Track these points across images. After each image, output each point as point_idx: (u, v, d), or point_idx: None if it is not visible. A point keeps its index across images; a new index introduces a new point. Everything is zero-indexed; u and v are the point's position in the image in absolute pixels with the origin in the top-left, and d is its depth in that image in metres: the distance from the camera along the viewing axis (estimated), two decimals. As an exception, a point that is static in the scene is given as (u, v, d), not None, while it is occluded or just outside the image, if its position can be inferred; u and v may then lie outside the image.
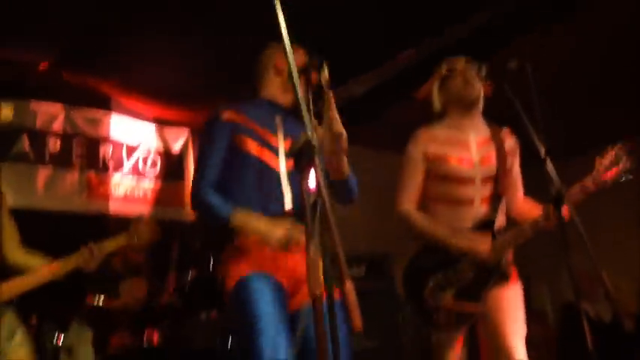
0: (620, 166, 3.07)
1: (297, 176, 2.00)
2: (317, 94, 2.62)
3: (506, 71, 2.82)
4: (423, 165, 3.31)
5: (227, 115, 2.87)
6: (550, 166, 2.65)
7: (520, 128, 2.77)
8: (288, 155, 2.07)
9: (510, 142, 3.37)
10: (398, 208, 3.34)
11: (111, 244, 3.32)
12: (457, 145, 3.29)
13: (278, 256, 2.67)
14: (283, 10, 2.27)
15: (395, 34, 5.00)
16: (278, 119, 2.93)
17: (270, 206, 2.73)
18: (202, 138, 2.93)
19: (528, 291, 7.06)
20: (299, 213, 2.69)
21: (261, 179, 2.79)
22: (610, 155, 3.11)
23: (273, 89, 3.02)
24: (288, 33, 2.61)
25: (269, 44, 3.09)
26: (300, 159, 1.76)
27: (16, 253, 3.27)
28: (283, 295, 2.63)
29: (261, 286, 2.57)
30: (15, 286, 3.11)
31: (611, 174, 3.07)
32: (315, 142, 1.74)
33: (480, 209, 3.26)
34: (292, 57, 1.93)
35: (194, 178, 2.80)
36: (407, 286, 3.25)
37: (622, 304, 6.36)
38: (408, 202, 3.33)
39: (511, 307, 3.20)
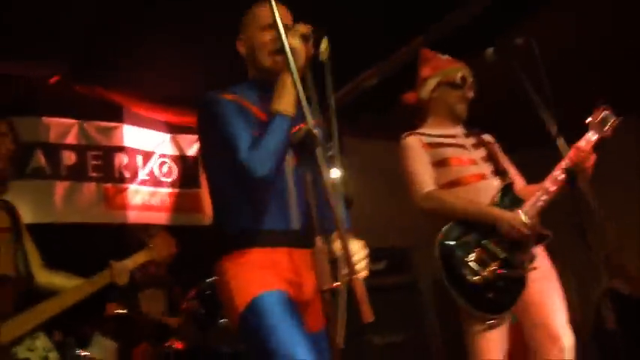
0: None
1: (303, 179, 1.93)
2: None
3: (513, 48, 2.83)
4: (425, 151, 3.35)
5: (229, 96, 2.41)
6: (562, 144, 2.67)
7: (530, 107, 2.75)
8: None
9: (489, 138, 3.54)
10: (421, 193, 3.26)
11: (133, 261, 3.29)
12: (445, 134, 3.44)
13: (286, 269, 2.32)
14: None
15: (400, 22, 4.98)
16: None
17: (276, 220, 2.35)
18: (211, 117, 2.38)
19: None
20: (306, 232, 2.41)
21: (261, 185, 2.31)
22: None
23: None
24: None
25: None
26: (302, 152, 1.71)
27: (41, 274, 3.23)
28: (298, 313, 2.25)
29: (277, 307, 2.21)
30: (46, 310, 3.07)
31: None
32: (316, 131, 1.69)
33: (493, 182, 3.29)
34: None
35: (234, 149, 2.22)
36: (444, 265, 3.10)
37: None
38: (428, 184, 3.28)
39: (550, 291, 3.18)
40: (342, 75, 2.33)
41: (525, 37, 2.76)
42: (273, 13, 1.90)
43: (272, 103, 2.28)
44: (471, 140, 3.47)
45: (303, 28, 2.32)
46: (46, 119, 5.59)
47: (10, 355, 2.85)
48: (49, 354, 3.04)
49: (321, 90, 2.30)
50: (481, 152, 3.42)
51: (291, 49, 2.20)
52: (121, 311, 4.32)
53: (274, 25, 2.06)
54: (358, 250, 2.29)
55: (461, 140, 3.45)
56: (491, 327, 3.10)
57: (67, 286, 3.18)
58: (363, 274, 2.28)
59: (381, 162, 6.50)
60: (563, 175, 3.03)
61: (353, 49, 4.17)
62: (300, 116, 2.21)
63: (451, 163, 3.33)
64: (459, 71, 3.48)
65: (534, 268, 3.11)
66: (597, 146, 3.12)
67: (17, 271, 3.09)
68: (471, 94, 3.47)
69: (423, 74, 3.57)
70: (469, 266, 3.06)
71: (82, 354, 3.76)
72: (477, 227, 3.14)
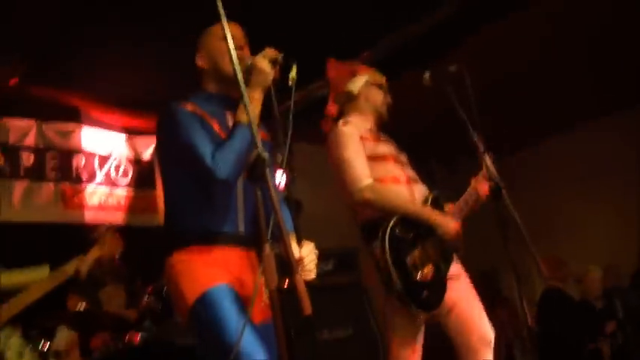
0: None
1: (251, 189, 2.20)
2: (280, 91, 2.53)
3: (447, 75, 3.08)
4: (362, 144, 3.37)
5: (190, 107, 2.54)
6: (488, 161, 2.92)
7: (460, 126, 3.00)
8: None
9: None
10: (361, 184, 3.26)
11: (88, 257, 3.47)
12: (375, 136, 3.54)
13: (233, 267, 2.51)
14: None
15: (355, 34, 5.19)
16: (229, 116, 2.61)
17: (224, 223, 2.55)
18: (173, 127, 2.51)
19: (497, 280, 7.38)
20: (250, 236, 2.59)
21: (221, 190, 2.53)
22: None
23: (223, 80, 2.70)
24: (254, 35, 2.76)
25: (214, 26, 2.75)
26: (253, 172, 1.94)
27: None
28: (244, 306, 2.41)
29: (227, 299, 2.39)
30: (13, 307, 3.27)
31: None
32: (265, 156, 1.91)
33: (420, 187, 3.47)
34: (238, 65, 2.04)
35: (198, 156, 2.39)
36: (393, 260, 3.10)
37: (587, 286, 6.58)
38: (367, 176, 3.29)
39: (472, 296, 3.41)
40: (296, 82, 2.59)
41: (458, 64, 3.02)
42: (226, 33, 2.10)
43: (237, 114, 2.47)
44: (393, 144, 3.61)
45: (273, 52, 2.53)
46: (5, 120, 5.67)
47: None
48: (24, 351, 3.25)
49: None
50: (404, 157, 3.60)
51: (259, 70, 2.46)
52: (81, 306, 4.43)
53: (232, 41, 2.13)
54: (309, 253, 2.55)
55: (387, 141, 3.58)
56: (414, 327, 3.29)
57: (27, 281, 3.36)
58: (313, 274, 2.54)
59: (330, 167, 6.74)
60: (474, 197, 3.31)
61: (306, 57, 4.36)
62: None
63: (385, 160, 3.41)
64: (382, 77, 3.67)
65: (457, 276, 3.35)
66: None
67: None
68: (389, 101, 3.63)
69: (353, 70, 3.68)
70: (412, 263, 3.16)
71: (46, 347, 3.92)
72: (416, 227, 3.25)
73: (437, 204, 3.41)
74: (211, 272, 2.46)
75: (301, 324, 2.03)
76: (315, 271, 2.57)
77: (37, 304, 3.39)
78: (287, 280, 2.33)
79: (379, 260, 3.14)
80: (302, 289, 1.85)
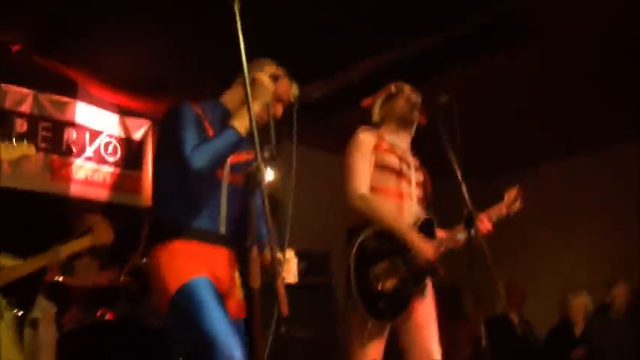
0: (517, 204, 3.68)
1: (236, 194, 2.49)
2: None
3: (437, 104, 3.27)
4: (372, 154, 3.52)
5: (196, 109, 2.74)
6: (465, 189, 3.10)
7: (442, 152, 3.15)
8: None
9: (425, 171, 3.78)
10: (357, 193, 3.43)
11: (75, 246, 3.61)
12: (398, 146, 3.64)
13: (211, 263, 2.69)
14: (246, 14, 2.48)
15: (353, 45, 5.34)
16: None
17: (207, 221, 2.73)
18: (173, 120, 2.70)
19: (460, 297, 7.58)
20: (229, 236, 2.80)
21: (207, 191, 2.75)
22: (513, 193, 3.68)
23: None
24: (250, 35, 2.93)
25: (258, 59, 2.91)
26: (249, 182, 2.15)
27: None
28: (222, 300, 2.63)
29: (206, 291, 2.57)
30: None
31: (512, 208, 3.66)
32: (263, 171, 2.13)
33: (416, 207, 3.59)
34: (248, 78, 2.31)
35: (181, 146, 2.57)
36: (356, 267, 3.31)
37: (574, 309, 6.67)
38: (365, 186, 3.46)
39: (432, 316, 3.54)
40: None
41: (449, 95, 3.20)
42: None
43: (233, 118, 2.67)
44: (415, 161, 3.71)
45: (273, 68, 2.78)
46: (3, 86, 5.72)
47: None
48: (5, 313, 3.45)
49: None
50: (419, 176, 3.69)
51: (260, 84, 2.67)
52: (58, 277, 4.53)
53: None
54: (290, 259, 2.79)
55: (408, 157, 3.66)
56: (373, 332, 3.39)
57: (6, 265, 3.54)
58: (293, 279, 2.75)
59: (312, 170, 6.88)
60: (463, 236, 3.37)
61: (305, 59, 4.46)
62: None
63: (389, 171, 3.52)
64: (390, 86, 3.73)
65: (423, 295, 3.48)
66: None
67: None
68: (413, 95, 3.63)
69: (364, 105, 3.80)
70: (375, 274, 3.33)
71: (19, 314, 4.05)
72: (392, 241, 3.38)
73: (427, 229, 3.52)
74: (192, 265, 2.63)
75: (271, 323, 2.21)
76: (294, 276, 2.79)
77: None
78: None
79: (346, 265, 3.34)
80: (282, 292, 2.04)
